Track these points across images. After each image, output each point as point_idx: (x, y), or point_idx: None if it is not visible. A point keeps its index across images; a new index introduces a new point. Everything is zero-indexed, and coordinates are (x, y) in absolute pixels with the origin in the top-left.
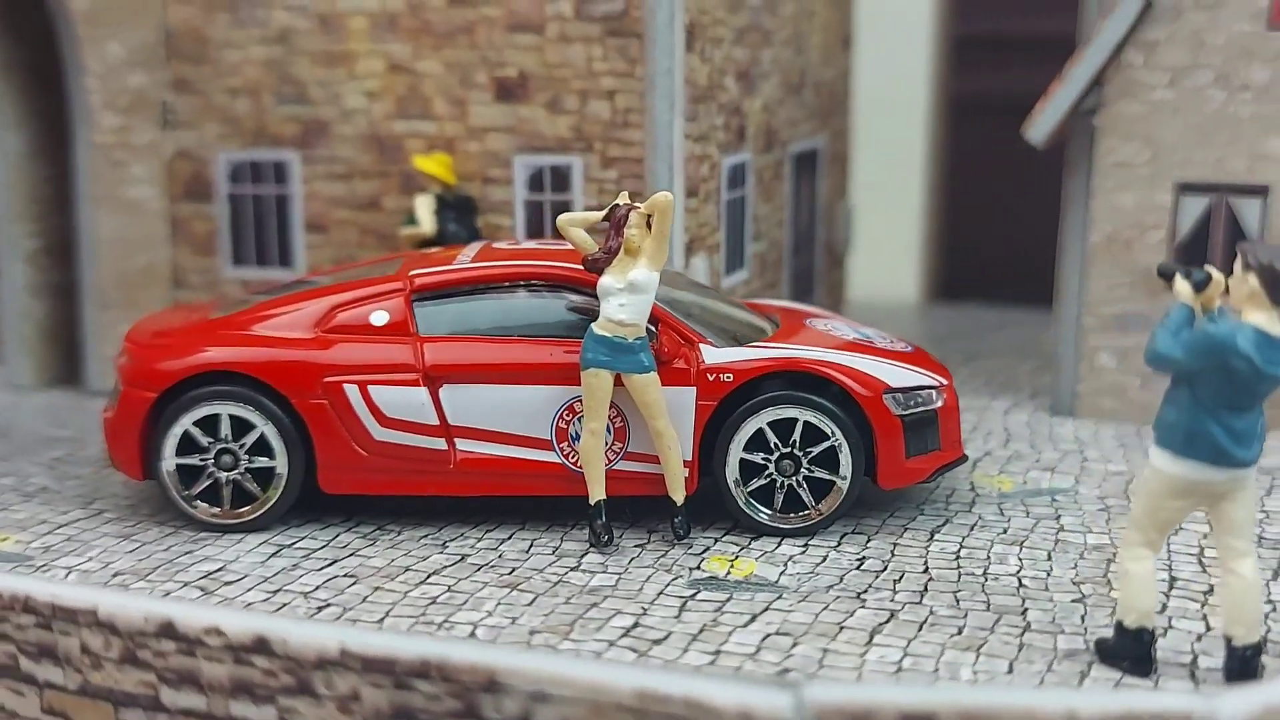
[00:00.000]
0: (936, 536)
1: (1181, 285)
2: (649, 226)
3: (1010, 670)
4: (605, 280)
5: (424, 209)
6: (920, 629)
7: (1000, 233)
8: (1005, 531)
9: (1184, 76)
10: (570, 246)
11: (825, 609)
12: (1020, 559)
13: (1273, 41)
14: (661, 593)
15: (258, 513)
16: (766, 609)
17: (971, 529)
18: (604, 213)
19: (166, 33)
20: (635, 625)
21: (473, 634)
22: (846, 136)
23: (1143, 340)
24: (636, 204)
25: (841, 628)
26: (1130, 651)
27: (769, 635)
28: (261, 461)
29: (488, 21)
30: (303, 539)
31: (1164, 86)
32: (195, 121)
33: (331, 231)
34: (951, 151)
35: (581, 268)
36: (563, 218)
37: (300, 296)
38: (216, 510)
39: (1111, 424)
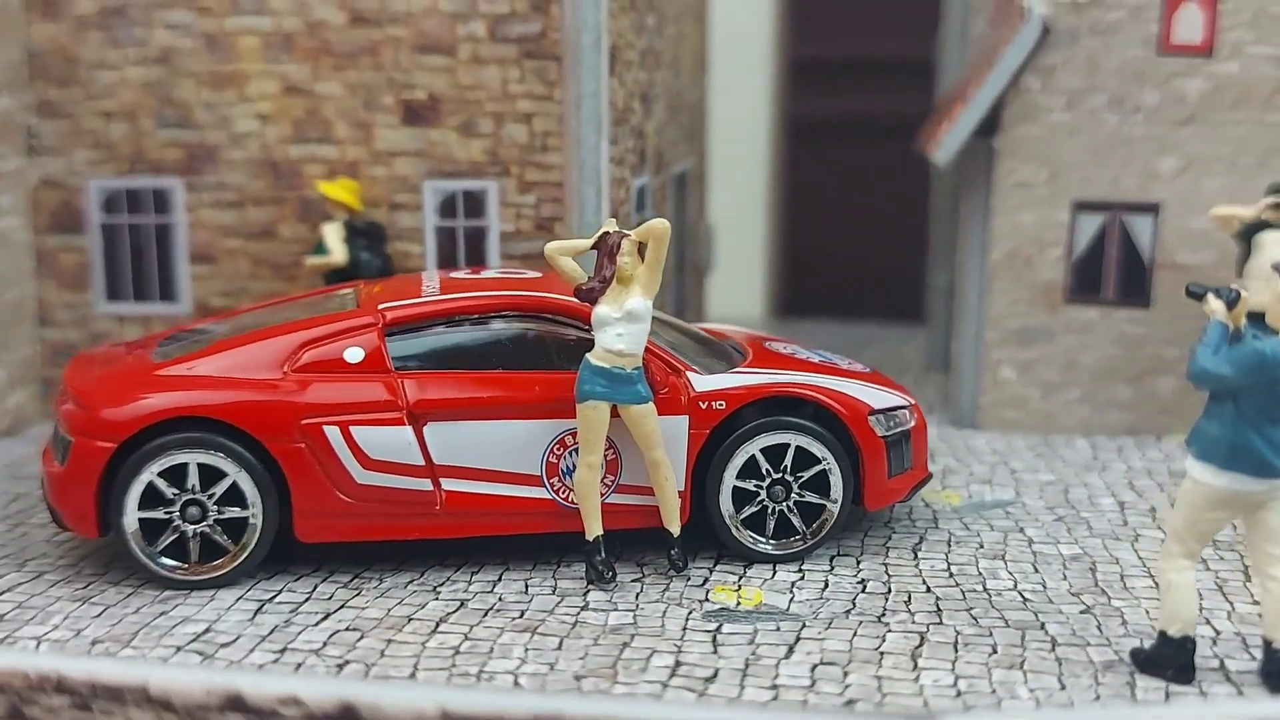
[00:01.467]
0: (920, 554)
1: (1216, 304)
2: (640, 254)
3: (1063, 687)
4: (601, 310)
5: (334, 237)
6: (956, 650)
7: (843, 250)
8: (982, 546)
9: (1080, 99)
10: (540, 274)
11: (855, 635)
12: (1011, 573)
13: (1162, 66)
14: (685, 628)
15: (231, 566)
16: (798, 639)
17: (949, 545)
18: (592, 241)
19: (29, 52)
20: (679, 664)
21: (516, 684)
22: (706, 157)
23: (1042, 352)
24: (626, 231)
25: (881, 653)
26: (1174, 660)
27: (815, 665)
28: (232, 512)
29: (394, 42)
30: (280, 592)
31: (1061, 109)
32: (63, 147)
33: (221, 262)
34: (794, 172)
35: (568, 298)
36: (551, 246)
37: (259, 334)
38: (185, 566)
39: (1018, 435)
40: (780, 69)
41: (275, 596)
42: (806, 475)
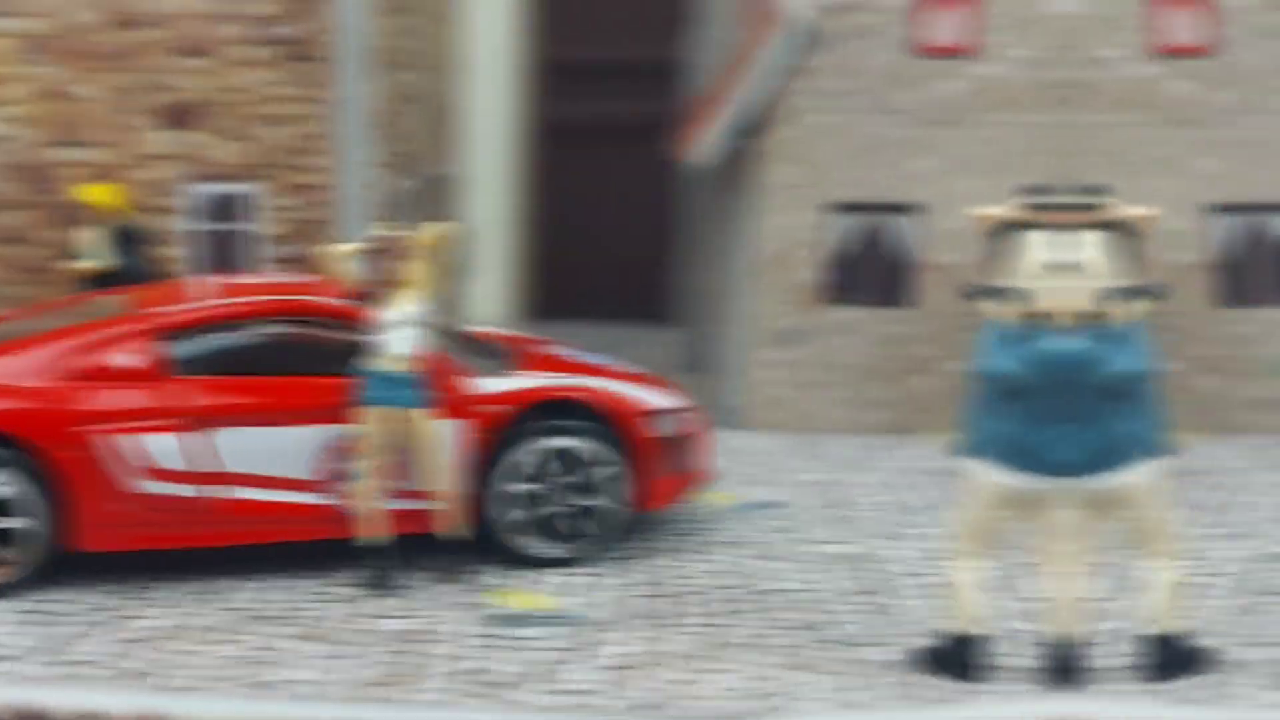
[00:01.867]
0: (709, 556)
1: (991, 304)
2: (422, 258)
3: (856, 687)
4: (381, 314)
5: (95, 242)
6: (756, 652)
7: (592, 252)
8: (760, 546)
9: (840, 101)
10: (313, 278)
11: (648, 638)
12: (792, 574)
13: (918, 68)
14: (481, 634)
15: (11, 578)
16: (591, 643)
17: (735, 546)
18: (370, 244)
19: None
20: (474, 670)
21: (311, 694)
22: (461, 160)
23: (803, 353)
24: (407, 234)
25: (676, 656)
26: (966, 658)
27: (614, 669)
28: (10, 523)
29: (153, 45)
30: (63, 603)
31: (821, 111)
32: None
33: None
34: (545, 174)
35: (343, 301)
36: (329, 249)
37: (31, 341)
38: None
39: (780, 434)
40: (531, 71)
41: (58, 607)
42: (587, 478)
